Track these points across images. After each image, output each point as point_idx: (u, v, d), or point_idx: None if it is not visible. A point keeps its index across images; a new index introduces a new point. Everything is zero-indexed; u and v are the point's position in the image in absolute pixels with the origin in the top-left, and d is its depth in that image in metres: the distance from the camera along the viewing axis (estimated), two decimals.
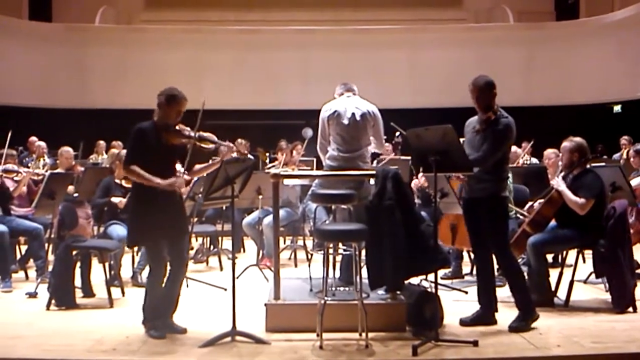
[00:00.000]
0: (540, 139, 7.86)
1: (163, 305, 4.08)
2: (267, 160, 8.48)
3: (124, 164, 4.08)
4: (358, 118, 4.73)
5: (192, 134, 4.06)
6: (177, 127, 4.06)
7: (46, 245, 5.80)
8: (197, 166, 4.29)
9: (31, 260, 5.94)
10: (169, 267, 4.09)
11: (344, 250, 4.40)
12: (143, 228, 4.01)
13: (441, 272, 5.44)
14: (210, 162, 4.36)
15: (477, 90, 4.19)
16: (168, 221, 4.02)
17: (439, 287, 4.08)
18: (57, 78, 13.17)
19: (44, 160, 8.58)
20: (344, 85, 4.96)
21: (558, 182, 4.69)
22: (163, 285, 4.08)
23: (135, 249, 5.88)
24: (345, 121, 4.71)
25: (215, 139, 4.19)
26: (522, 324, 4.09)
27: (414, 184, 6.18)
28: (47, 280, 5.32)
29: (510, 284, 4.24)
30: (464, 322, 4.24)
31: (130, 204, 4.22)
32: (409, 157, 6.59)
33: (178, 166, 4.19)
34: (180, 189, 4.17)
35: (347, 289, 4.40)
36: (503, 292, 4.56)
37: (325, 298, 3.88)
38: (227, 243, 7.14)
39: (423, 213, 5.74)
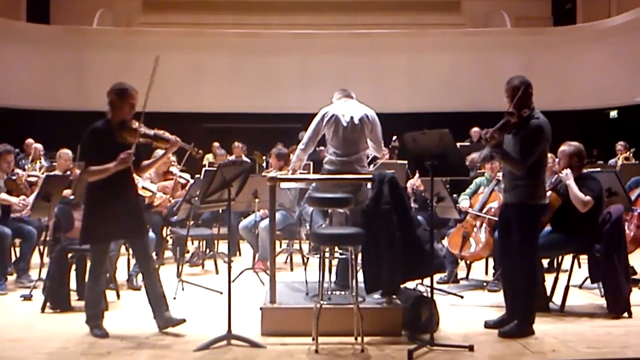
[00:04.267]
0: None
1: (156, 303, 4.12)
2: (264, 164, 8.49)
3: (83, 170, 4.05)
4: (356, 122, 4.74)
5: (148, 132, 4.05)
6: (132, 126, 4.04)
7: (41, 248, 5.79)
8: (145, 162, 4.32)
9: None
10: (136, 266, 4.12)
11: (340, 254, 4.40)
12: (94, 227, 4.03)
13: (437, 277, 5.46)
14: (161, 155, 4.40)
15: (510, 89, 4.09)
16: (122, 222, 4.03)
17: (434, 291, 4.08)
18: (55, 80, 13.16)
19: (40, 162, 8.56)
20: (341, 91, 4.97)
21: (567, 175, 4.65)
22: (143, 285, 4.15)
23: (131, 251, 5.87)
24: (344, 125, 4.72)
25: (168, 135, 4.19)
26: (515, 331, 4.04)
27: (410, 184, 6.20)
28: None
29: (523, 293, 4.09)
30: (488, 325, 4.24)
31: (84, 203, 4.21)
32: (405, 161, 6.61)
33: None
34: (129, 163, 4.04)
35: (343, 293, 4.39)
36: (499, 297, 4.57)
37: (321, 302, 3.88)
38: (223, 246, 7.14)
39: (419, 217, 5.77)
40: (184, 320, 4.10)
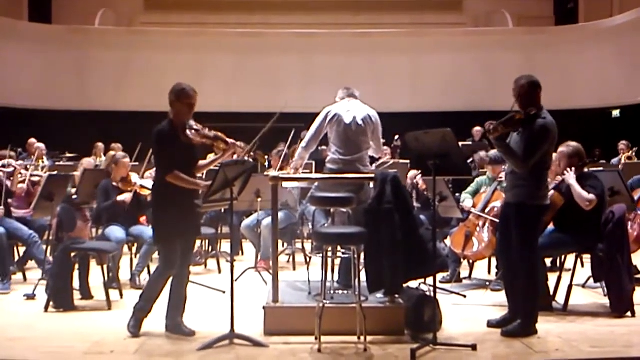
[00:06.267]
0: None
1: (175, 305, 4.13)
2: (266, 164, 8.49)
3: (164, 173, 4.02)
4: (359, 122, 4.75)
5: (209, 133, 4.07)
6: (194, 126, 4.06)
7: (44, 247, 5.80)
8: (201, 162, 4.32)
9: (29, 262, 5.94)
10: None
11: (343, 253, 4.40)
12: (164, 228, 4.04)
13: (439, 276, 5.46)
14: (219, 156, 4.35)
15: (517, 89, 4.09)
16: (186, 222, 4.06)
17: (437, 290, 4.07)
18: (57, 80, 13.17)
19: (42, 162, 8.57)
20: (346, 90, 4.97)
21: (570, 175, 4.64)
22: (169, 285, 4.15)
23: (134, 251, 5.88)
24: (347, 125, 4.73)
25: (227, 139, 4.21)
26: (518, 331, 4.04)
27: (410, 176, 6.22)
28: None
29: (525, 293, 4.09)
30: (491, 324, 4.24)
31: (153, 204, 4.24)
32: (408, 161, 6.61)
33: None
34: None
35: (345, 292, 4.40)
36: (502, 297, 4.57)
37: (324, 301, 3.88)
38: (225, 246, 7.14)
39: (422, 217, 5.78)
40: (193, 334, 4.08)
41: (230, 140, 4.19)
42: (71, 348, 3.86)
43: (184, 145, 4.06)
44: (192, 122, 4.08)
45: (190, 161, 4.11)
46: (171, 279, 4.15)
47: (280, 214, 5.83)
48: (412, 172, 6.23)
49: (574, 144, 4.84)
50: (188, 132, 4.04)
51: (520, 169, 4.02)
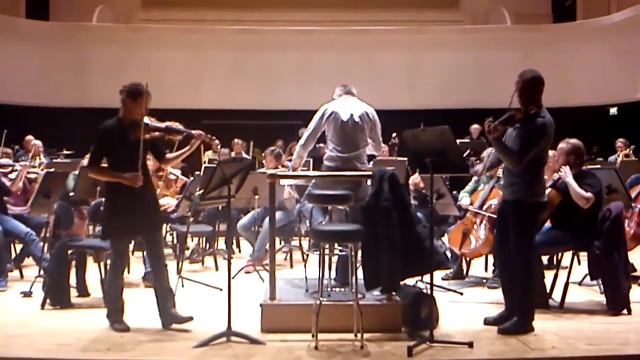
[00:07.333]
0: None
1: (163, 299, 4.14)
2: (264, 161, 8.50)
3: (87, 165, 4.05)
4: (357, 119, 4.75)
5: (159, 125, 4.02)
6: (145, 121, 4.01)
7: (41, 244, 5.79)
8: (169, 155, 4.28)
9: (26, 259, 5.93)
10: (146, 262, 4.15)
11: (340, 250, 4.40)
12: (114, 223, 4.05)
13: (442, 273, 5.48)
14: (187, 148, 4.30)
15: (521, 82, 4.05)
16: (139, 218, 4.04)
17: (434, 288, 4.08)
18: (54, 77, 13.14)
19: (39, 159, 8.57)
20: (343, 87, 4.97)
21: (566, 173, 4.65)
22: (153, 280, 4.18)
23: (131, 248, 5.86)
24: (344, 122, 4.73)
25: (182, 127, 4.15)
26: (514, 328, 4.04)
27: (412, 180, 6.22)
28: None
29: (520, 290, 4.09)
30: (487, 322, 4.24)
31: (104, 200, 4.24)
32: (405, 158, 6.61)
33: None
34: (138, 184, 4.00)
35: (342, 289, 4.40)
36: (498, 294, 4.57)
37: (321, 299, 3.88)
38: (223, 243, 7.12)
39: (419, 214, 5.78)
40: (191, 319, 4.09)
41: (195, 132, 4.10)
42: (68, 345, 3.85)
43: (131, 142, 3.97)
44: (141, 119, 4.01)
45: (136, 158, 3.95)
46: (152, 277, 4.18)
47: (279, 213, 5.83)
48: (413, 178, 6.25)
49: (573, 140, 4.84)
50: (135, 129, 3.96)
51: (514, 167, 4.02)
